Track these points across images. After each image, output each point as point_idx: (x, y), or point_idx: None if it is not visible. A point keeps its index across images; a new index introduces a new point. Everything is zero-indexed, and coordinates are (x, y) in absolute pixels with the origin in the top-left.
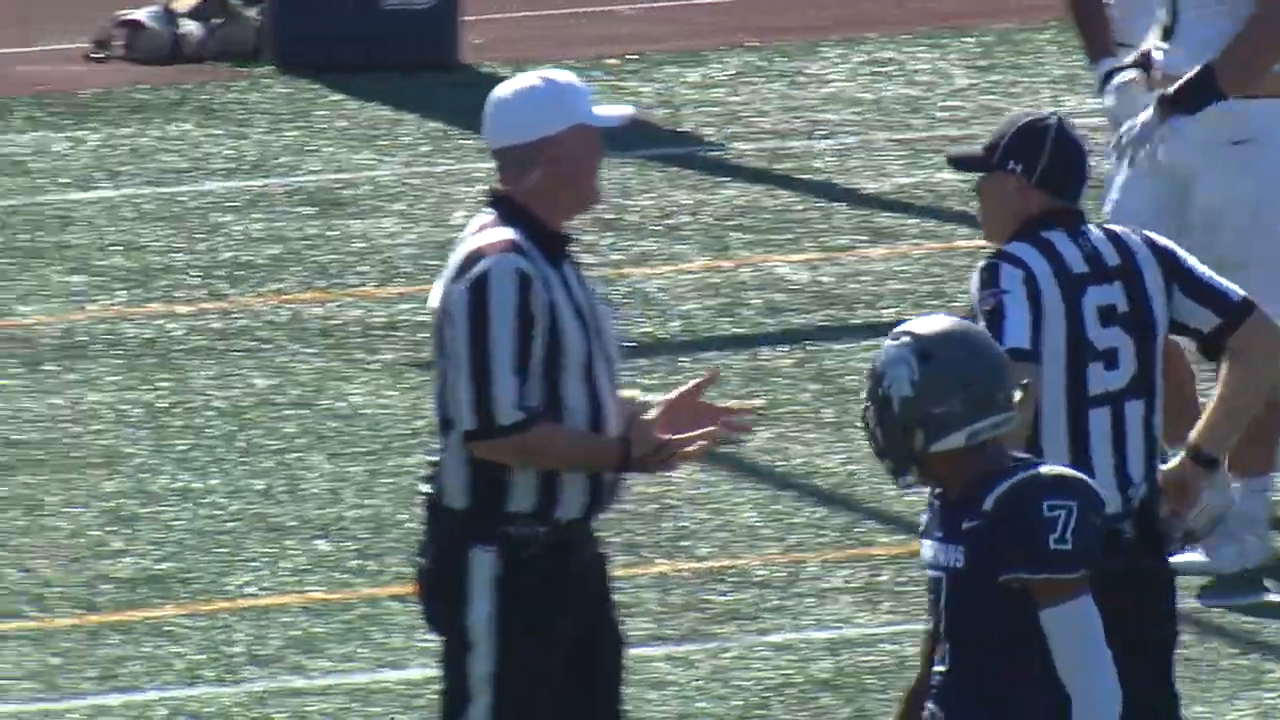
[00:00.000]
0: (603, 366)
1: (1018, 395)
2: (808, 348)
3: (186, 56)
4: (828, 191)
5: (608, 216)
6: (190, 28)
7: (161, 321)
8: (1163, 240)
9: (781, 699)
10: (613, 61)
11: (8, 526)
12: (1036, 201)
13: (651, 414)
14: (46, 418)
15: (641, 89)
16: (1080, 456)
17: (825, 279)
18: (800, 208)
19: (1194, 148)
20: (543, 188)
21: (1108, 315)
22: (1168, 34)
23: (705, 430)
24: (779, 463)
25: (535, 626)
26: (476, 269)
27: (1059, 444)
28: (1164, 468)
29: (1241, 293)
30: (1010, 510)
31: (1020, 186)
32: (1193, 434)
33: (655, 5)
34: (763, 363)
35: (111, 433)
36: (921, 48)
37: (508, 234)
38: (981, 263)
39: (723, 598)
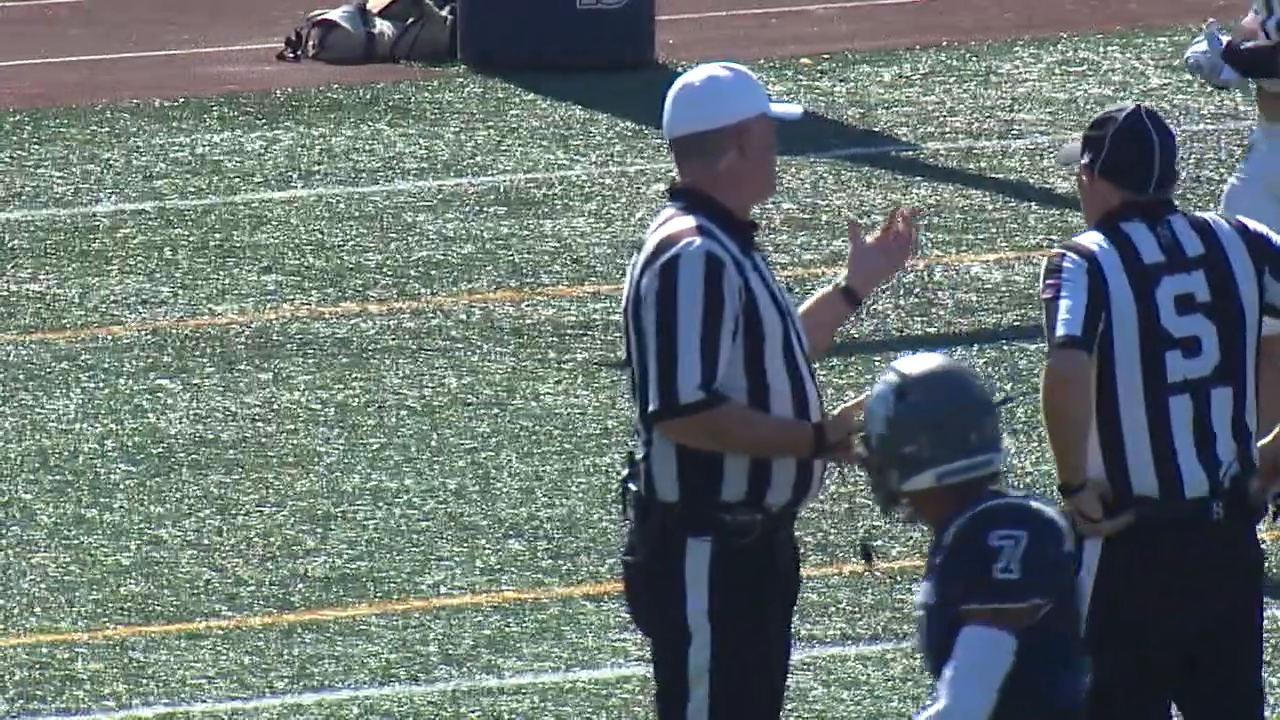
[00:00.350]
0: (800, 351)
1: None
2: (1002, 347)
3: (380, 56)
4: (1020, 191)
5: (802, 216)
6: (384, 27)
7: (354, 321)
8: (1256, 225)
9: None
10: (805, 61)
11: (202, 526)
12: (1109, 192)
13: (850, 403)
14: (240, 417)
15: (834, 88)
16: (1161, 441)
17: (1018, 278)
18: (992, 207)
19: None
20: (732, 174)
21: (1185, 304)
22: None
23: None
24: None
25: (750, 615)
26: (667, 254)
27: (1139, 430)
28: (1261, 444)
29: None
30: (961, 542)
31: (1089, 178)
32: None
33: (848, 4)
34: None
35: (304, 432)
36: (1114, 47)
37: (696, 221)
38: (1053, 252)
39: (915, 598)
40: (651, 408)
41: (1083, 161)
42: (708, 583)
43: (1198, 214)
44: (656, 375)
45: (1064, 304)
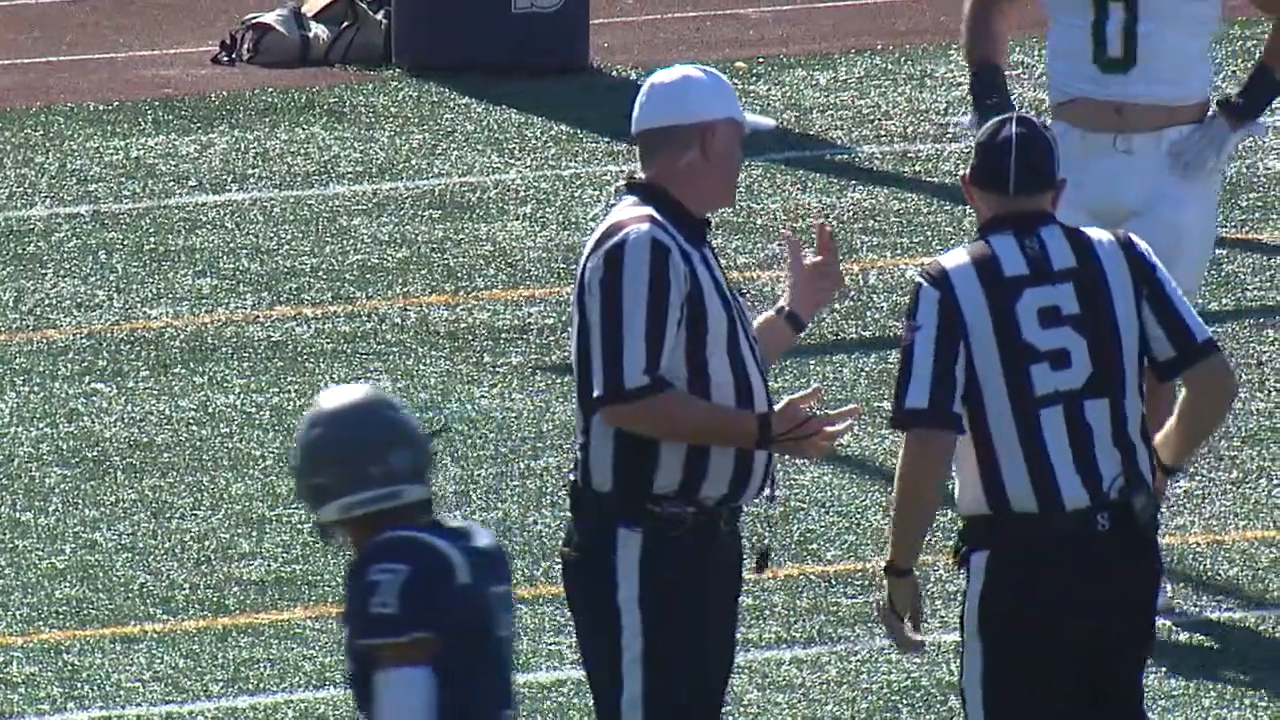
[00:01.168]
0: (748, 346)
1: None
2: None
3: (315, 60)
4: (955, 195)
5: (736, 219)
6: (319, 31)
7: (289, 324)
8: (1142, 246)
9: (909, 702)
10: (741, 65)
11: (136, 529)
12: (987, 202)
13: (800, 395)
14: (175, 420)
15: (769, 92)
16: (1035, 455)
17: None
18: (927, 211)
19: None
20: (691, 173)
21: (1050, 316)
22: (1117, 65)
23: (848, 409)
24: None
25: (682, 606)
26: (612, 240)
27: (1010, 445)
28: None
29: (1207, 333)
30: (350, 577)
31: (966, 186)
32: (1161, 455)
33: (783, 8)
34: (889, 366)
35: (239, 435)
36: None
37: (646, 210)
38: (914, 274)
39: (850, 600)
40: (595, 393)
41: (965, 173)
42: (638, 572)
43: (1073, 227)
44: (601, 361)
45: (915, 371)
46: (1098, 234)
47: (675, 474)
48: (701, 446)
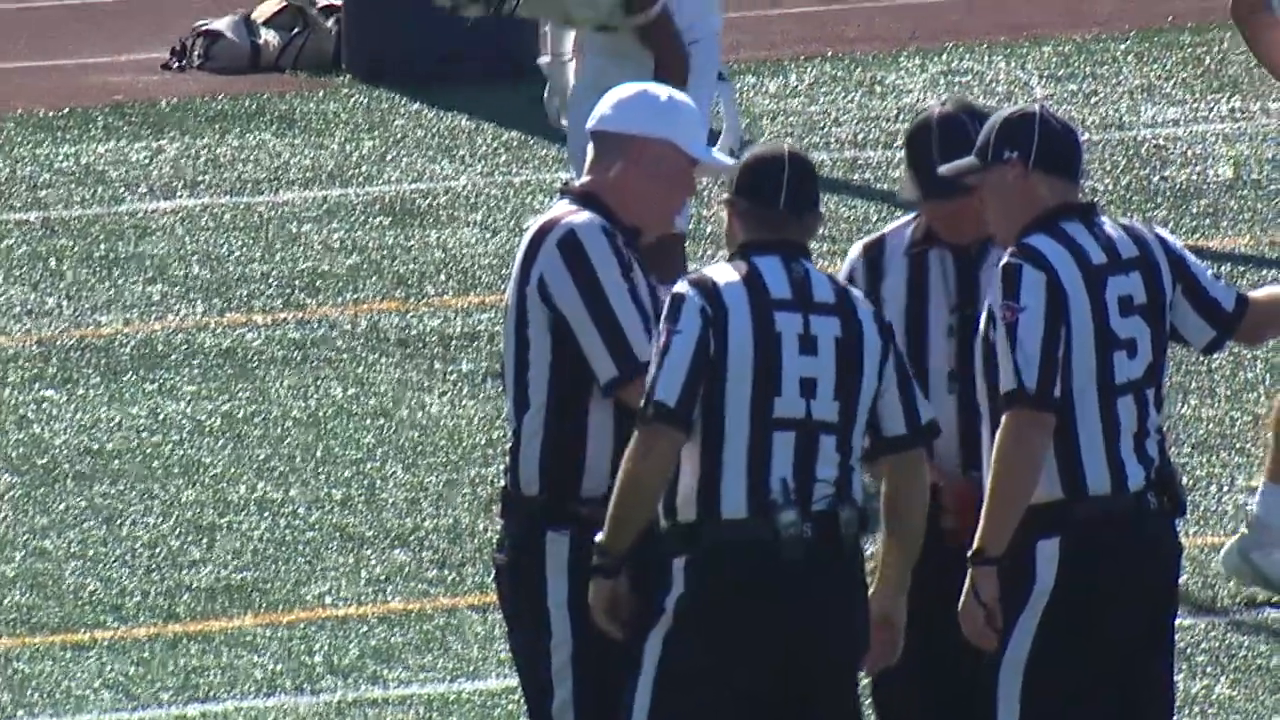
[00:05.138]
0: None
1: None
2: None
3: (265, 66)
4: (905, 202)
5: (687, 228)
6: (269, 37)
7: (240, 331)
8: (1173, 240)
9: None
10: None
11: (86, 536)
12: (1042, 188)
13: None
14: (125, 427)
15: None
16: (1112, 445)
17: None
18: (878, 218)
19: None
20: (620, 183)
21: (1126, 306)
22: None
23: None
24: None
25: None
26: (558, 232)
27: (1094, 434)
28: None
29: (1233, 296)
30: None
31: (1019, 173)
32: None
33: (732, 15)
34: None
35: (190, 443)
36: (999, 57)
37: (582, 210)
38: (1004, 260)
39: None
40: (612, 376)
41: (1010, 157)
42: (567, 575)
43: (1116, 219)
44: (605, 345)
45: (1023, 346)
46: (1140, 225)
47: (603, 478)
48: None
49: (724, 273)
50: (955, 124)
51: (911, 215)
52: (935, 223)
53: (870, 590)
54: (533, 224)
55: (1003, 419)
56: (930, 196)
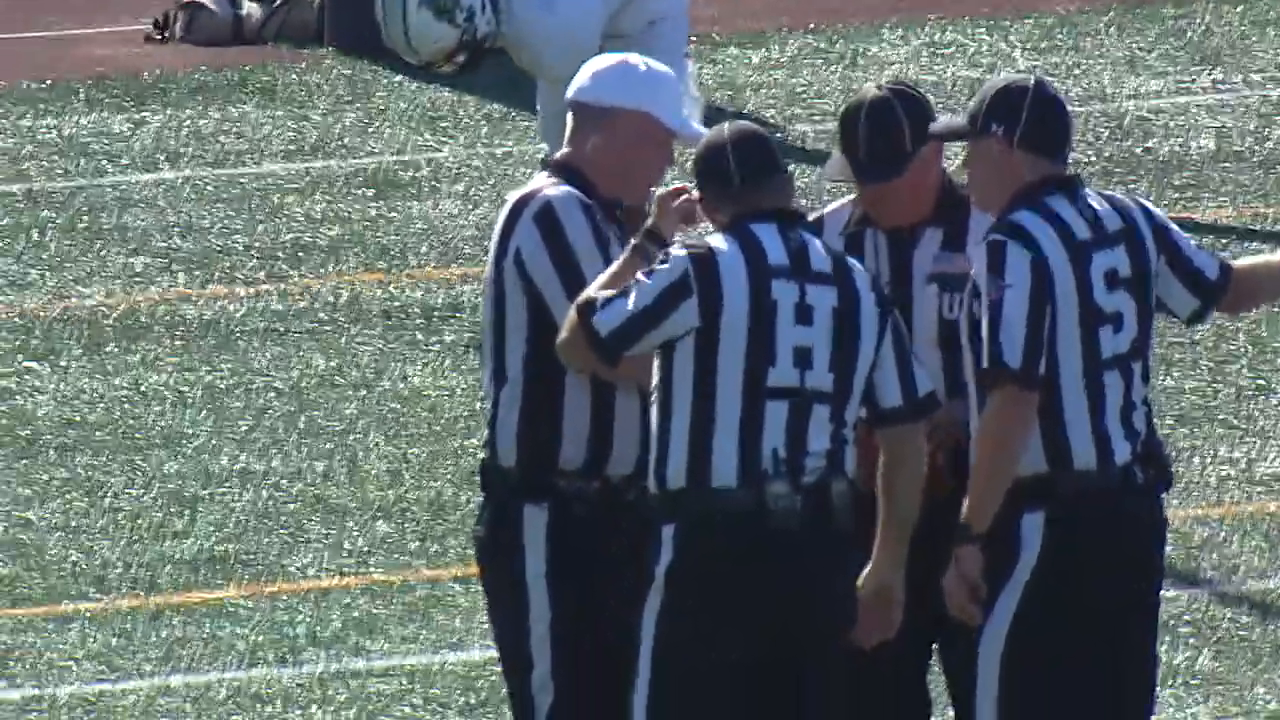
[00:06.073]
0: None
1: None
2: None
3: (247, 38)
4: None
5: None
6: (251, 9)
7: (222, 303)
8: (1157, 211)
9: None
10: None
11: (69, 508)
12: (1025, 165)
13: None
14: (108, 399)
15: (702, 71)
16: (1097, 419)
17: None
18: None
19: None
20: (597, 155)
21: (1112, 280)
22: None
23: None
24: None
25: (588, 582)
26: (534, 205)
27: (1079, 409)
28: None
29: (1216, 268)
30: None
31: (1004, 149)
32: None
33: None
34: None
35: (172, 414)
36: (981, 30)
37: (561, 184)
38: (989, 236)
39: None
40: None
41: (996, 131)
42: (545, 548)
43: (1101, 191)
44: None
45: (1007, 325)
46: (1123, 196)
47: (580, 450)
48: (606, 423)
49: (721, 240)
50: (885, 109)
51: (853, 196)
52: (866, 206)
53: (869, 565)
54: (511, 196)
55: (988, 397)
56: (859, 179)
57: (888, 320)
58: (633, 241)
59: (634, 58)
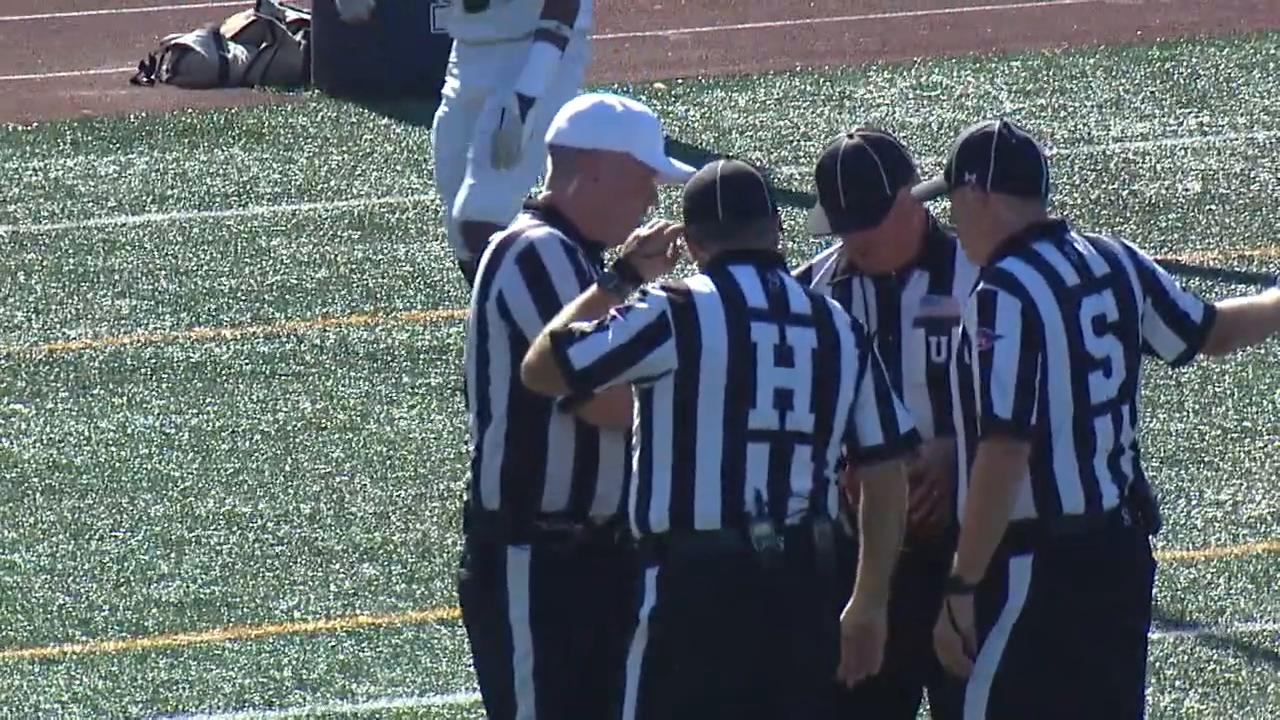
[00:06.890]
0: None
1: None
2: None
3: (234, 80)
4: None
5: None
6: (237, 52)
7: (209, 345)
8: (1142, 253)
9: None
10: (660, 85)
11: (55, 550)
12: (1003, 207)
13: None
14: (94, 441)
15: (688, 113)
16: (1086, 464)
17: None
18: None
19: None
20: (580, 198)
21: (1100, 325)
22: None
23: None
24: None
25: (572, 624)
26: (516, 246)
27: (1068, 454)
28: None
29: (1200, 307)
30: None
31: (979, 195)
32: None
33: (702, 30)
34: None
35: (158, 456)
36: (968, 72)
37: (543, 225)
38: (979, 287)
39: None
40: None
41: (969, 180)
42: (528, 590)
43: (1086, 234)
44: None
45: (997, 377)
46: (1108, 239)
47: (563, 493)
48: (590, 465)
49: (700, 282)
50: (860, 157)
51: (840, 244)
52: (851, 253)
53: (850, 603)
54: (494, 239)
55: (979, 447)
56: (838, 230)
57: (868, 359)
58: (605, 270)
59: (610, 98)
